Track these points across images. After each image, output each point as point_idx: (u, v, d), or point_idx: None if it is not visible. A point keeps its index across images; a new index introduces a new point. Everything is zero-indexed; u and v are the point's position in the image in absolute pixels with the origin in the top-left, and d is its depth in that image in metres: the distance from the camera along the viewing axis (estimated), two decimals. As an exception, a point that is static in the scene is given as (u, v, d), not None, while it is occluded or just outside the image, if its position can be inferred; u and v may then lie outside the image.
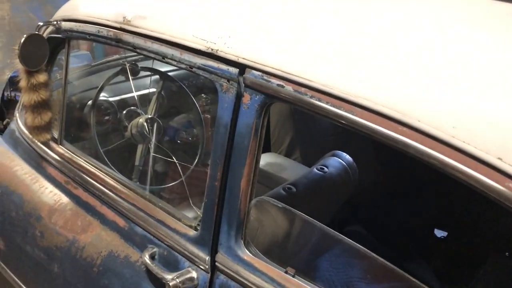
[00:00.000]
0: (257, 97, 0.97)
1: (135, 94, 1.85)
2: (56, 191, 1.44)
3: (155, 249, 1.16)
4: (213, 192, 1.06)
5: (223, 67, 1.00)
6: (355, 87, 0.85)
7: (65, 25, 1.36)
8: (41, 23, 1.42)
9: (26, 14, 2.01)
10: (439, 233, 2.14)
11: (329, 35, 0.95)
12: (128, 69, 1.68)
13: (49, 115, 1.45)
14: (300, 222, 1.11)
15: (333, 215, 1.59)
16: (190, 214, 1.27)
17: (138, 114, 1.83)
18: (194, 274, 1.09)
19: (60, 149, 1.46)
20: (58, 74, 1.71)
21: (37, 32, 1.39)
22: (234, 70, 0.99)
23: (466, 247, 1.92)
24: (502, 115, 0.74)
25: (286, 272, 0.98)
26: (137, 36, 1.16)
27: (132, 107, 1.88)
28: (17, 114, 1.65)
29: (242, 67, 0.98)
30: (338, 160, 1.52)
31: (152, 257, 1.15)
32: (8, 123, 1.81)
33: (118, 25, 1.20)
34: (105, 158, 1.63)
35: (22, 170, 1.55)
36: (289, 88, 0.92)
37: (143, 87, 1.97)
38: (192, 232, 1.11)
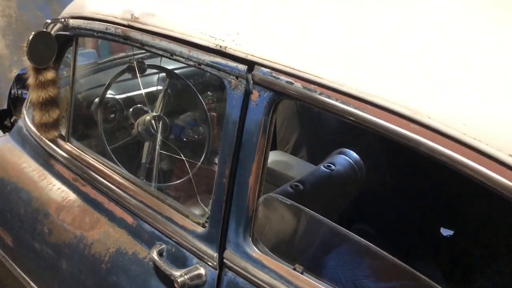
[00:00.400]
0: (266, 94, 0.97)
1: (142, 91, 1.86)
2: (64, 188, 1.44)
3: (163, 246, 1.16)
4: (221, 189, 1.06)
5: (232, 64, 1.00)
6: (361, 86, 0.85)
7: (73, 22, 1.37)
8: (49, 21, 1.42)
9: (33, 12, 2.01)
10: (445, 231, 2.13)
11: (331, 37, 0.94)
12: (135, 67, 1.69)
13: (57, 112, 1.45)
14: (308, 219, 1.11)
15: (340, 213, 1.59)
16: (196, 211, 1.27)
17: (145, 112, 1.83)
18: (202, 271, 1.09)
19: (68, 146, 1.46)
20: (65, 71, 1.72)
21: (45, 30, 1.39)
22: (242, 67, 0.99)
23: (472, 246, 1.92)
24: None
25: (294, 269, 0.98)
26: (145, 33, 1.16)
27: (138, 105, 1.89)
28: (24, 112, 1.65)
29: (251, 64, 0.98)
30: (346, 158, 1.52)
31: (160, 253, 1.15)
32: (15, 121, 1.82)
33: (126, 22, 1.20)
34: (112, 156, 1.63)
35: (30, 167, 1.55)
36: (298, 85, 0.91)
37: (149, 85, 1.97)
38: (200, 229, 1.12)
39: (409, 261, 1.06)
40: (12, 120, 1.89)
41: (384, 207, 1.91)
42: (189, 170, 1.66)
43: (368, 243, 0.98)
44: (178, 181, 1.82)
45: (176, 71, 1.93)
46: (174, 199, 1.28)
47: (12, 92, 1.97)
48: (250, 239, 1.04)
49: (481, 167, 0.74)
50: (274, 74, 0.94)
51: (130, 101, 1.91)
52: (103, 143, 1.67)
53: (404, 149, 1.52)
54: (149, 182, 1.62)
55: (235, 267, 1.05)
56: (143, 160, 1.73)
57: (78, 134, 1.61)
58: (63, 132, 1.49)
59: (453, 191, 1.90)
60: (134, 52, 1.91)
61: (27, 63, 1.40)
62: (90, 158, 1.40)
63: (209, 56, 1.04)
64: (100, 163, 1.38)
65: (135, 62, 1.72)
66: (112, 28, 1.24)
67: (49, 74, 1.41)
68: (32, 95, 1.43)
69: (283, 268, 0.99)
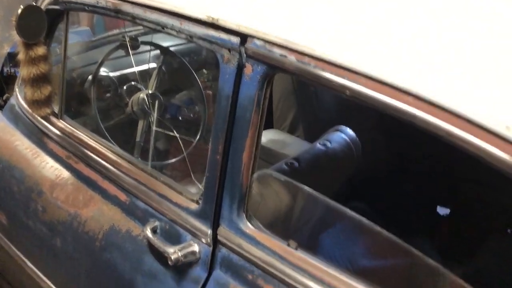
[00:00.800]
0: (259, 67, 0.94)
1: (135, 69, 1.83)
2: (57, 166, 1.43)
3: (157, 223, 1.16)
4: (214, 166, 1.04)
5: (224, 36, 0.98)
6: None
7: (63, -4, 1.33)
8: (38, -5, 1.39)
9: (24, -13, 1.96)
10: (442, 210, 2.13)
11: (323, 23, 0.92)
12: (128, 43, 1.66)
13: (49, 89, 1.43)
14: (303, 196, 1.10)
15: (336, 191, 1.58)
16: (191, 190, 1.26)
17: (139, 90, 1.81)
18: (196, 248, 1.08)
19: (61, 123, 1.45)
20: (58, 49, 1.68)
21: (34, 4, 1.36)
22: (235, 39, 0.96)
23: (468, 224, 1.92)
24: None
25: (288, 246, 0.98)
26: (136, 6, 1.13)
27: (132, 83, 1.86)
28: (17, 89, 1.63)
29: (244, 37, 0.96)
30: (341, 136, 1.51)
31: (153, 231, 1.14)
32: (8, 99, 1.79)
33: (116, -5, 1.17)
34: (106, 134, 1.62)
35: (23, 145, 1.54)
36: (292, 58, 0.89)
37: (143, 62, 1.94)
38: (194, 206, 1.11)
39: (405, 239, 1.06)
40: (4, 98, 1.86)
41: (380, 185, 1.91)
42: (184, 149, 1.64)
43: (364, 219, 0.97)
44: (173, 160, 1.80)
45: (171, 49, 1.90)
46: (168, 177, 1.27)
47: (5, 70, 1.94)
48: (244, 216, 1.03)
49: (477, 140, 0.72)
50: (267, 47, 0.92)
51: (124, 79, 1.88)
52: (97, 121, 1.65)
53: (400, 127, 1.51)
54: (143, 160, 1.61)
55: (229, 243, 1.04)
56: (137, 139, 1.71)
57: (71, 111, 1.59)
58: (56, 110, 1.47)
59: (450, 170, 1.90)
60: (128, 29, 1.88)
61: (16, 38, 1.37)
62: (84, 136, 1.38)
63: (201, 29, 1.01)
64: (94, 140, 1.36)
65: (127, 39, 1.68)
66: (102, 2, 1.21)
67: (40, 50, 1.38)
68: (23, 71, 1.41)
69: (277, 244, 0.99)
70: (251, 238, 1.02)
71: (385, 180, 1.93)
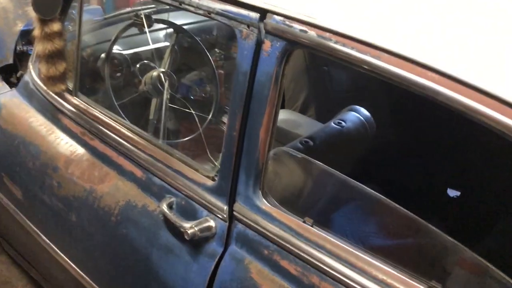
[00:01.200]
0: (278, 43, 0.94)
1: (149, 47, 1.82)
2: (72, 142, 1.44)
3: (173, 199, 1.17)
4: (231, 142, 1.05)
5: (243, 12, 0.97)
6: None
7: (78, -29, 1.33)
8: (53, -30, 1.38)
9: (37, -36, 1.95)
10: (452, 192, 2.13)
11: (327, 19, 0.91)
12: (143, 20, 1.65)
13: (64, 66, 1.43)
14: (319, 173, 1.11)
15: (347, 171, 1.58)
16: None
17: (152, 68, 1.81)
18: (212, 223, 1.09)
19: (75, 100, 1.45)
20: (70, 26, 1.68)
21: (50, -21, 1.35)
22: (254, 15, 0.96)
23: (479, 207, 1.92)
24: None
25: (304, 222, 0.99)
26: (153, -19, 1.12)
27: (145, 61, 1.86)
28: (31, 66, 1.63)
29: (263, 12, 0.95)
30: (356, 115, 1.50)
31: (170, 206, 1.15)
32: (21, 76, 1.80)
33: (133, -29, 1.16)
34: (120, 111, 1.62)
35: (37, 121, 1.55)
36: (312, 33, 0.89)
37: (156, 41, 1.93)
38: (210, 182, 1.11)
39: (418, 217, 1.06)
40: (18, 76, 1.87)
41: (391, 167, 1.91)
42: (199, 126, 1.64)
43: (380, 195, 0.97)
44: (186, 139, 1.81)
45: (184, 27, 1.89)
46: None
47: (18, 47, 1.94)
48: (260, 192, 1.04)
49: (498, 114, 0.72)
50: (287, 22, 0.92)
51: (136, 57, 1.88)
52: (110, 99, 1.65)
53: (412, 109, 1.50)
54: (157, 138, 1.61)
55: (244, 219, 1.05)
56: (151, 117, 1.72)
57: (85, 88, 1.59)
58: (70, 86, 1.47)
59: (461, 152, 1.89)
60: (141, 7, 1.86)
61: (32, 14, 1.37)
62: (99, 113, 1.39)
63: (220, 4, 1.01)
64: (109, 117, 1.37)
65: (142, 17, 1.67)
66: (119, -23, 1.20)
67: (55, 26, 1.38)
68: (38, 47, 1.41)
69: (293, 220, 1.00)
70: (267, 214, 1.02)
71: (396, 161, 1.93)
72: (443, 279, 0.92)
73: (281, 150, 1.13)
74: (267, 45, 0.95)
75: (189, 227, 1.08)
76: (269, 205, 1.03)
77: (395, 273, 0.88)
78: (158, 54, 1.86)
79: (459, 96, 0.75)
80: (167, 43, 1.89)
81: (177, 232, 1.13)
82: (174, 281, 1.13)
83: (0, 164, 1.64)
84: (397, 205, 0.96)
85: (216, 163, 1.15)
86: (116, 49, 1.81)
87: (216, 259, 1.08)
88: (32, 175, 1.51)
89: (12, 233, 1.80)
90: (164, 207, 1.15)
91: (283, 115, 1.94)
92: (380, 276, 0.89)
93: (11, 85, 1.81)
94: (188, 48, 1.96)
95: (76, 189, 1.37)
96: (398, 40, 0.82)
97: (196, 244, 1.11)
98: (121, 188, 1.28)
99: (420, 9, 0.90)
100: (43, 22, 1.36)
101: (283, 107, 2.09)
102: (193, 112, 1.65)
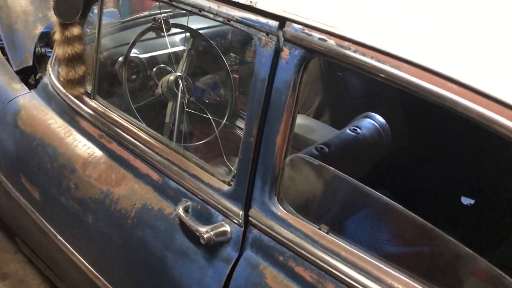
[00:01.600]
0: (297, 51, 0.95)
1: (166, 51, 1.84)
2: (90, 144, 1.46)
3: (189, 203, 1.18)
4: (248, 148, 1.06)
5: (262, 20, 0.98)
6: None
7: (99, -24, 1.35)
8: (74, -25, 1.40)
9: (57, -32, 1.98)
10: (466, 200, 2.12)
11: (328, 19, 0.92)
12: (161, 24, 1.67)
13: (83, 69, 1.46)
14: (335, 180, 1.11)
15: (362, 178, 1.58)
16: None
17: (168, 72, 1.83)
18: (227, 228, 1.10)
19: (93, 103, 1.47)
20: (88, 29, 1.71)
21: (71, -16, 1.37)
22: (273, 23, 0.97)
23: (493, 215, 1.90)
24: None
25: (319, 229, 0.99)
26: (174, -12, 1.14)
27: (162, 65, 1.88)
28: (50, 69, 1.66)
29: (282, 20, 0.96)
30: (371, 122, 1.50)
31: (185, 210, 1.17)
32: (40, 78, 1.83)
33: (154, -23, 1.18)
34: (137, 114, 1.64)
35: (56, 123, 1.57)
36: (331, 42, 0.89)
37: (172, 44, 1.95)
38: (225, 187, 1.12)
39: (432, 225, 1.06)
40: (37, 77, 1.90)
41: (405, 174, 1.90)
42: (215, 129, 1.65)
43: (396, 203, 0.98)
44: (201, 142, 1.82)
45: (200, 32, 1.91)
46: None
47: (36, 49, 1.97)
48: (276, 198, 1.05)
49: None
50: (306, 31, 0.92)
51: (153, 61, 1.90)
52: (127, 102, 1.67)
53: (427, 116, 1.50)
54: (172, 141, 1.63)
55: (260, 225, 1.06)
56: (167, 120, 1.73)
57: (103, 91, 1.61)
58: (89, 89, 1.50)
59: (475, 160, 1.88)
60: (159, 11, 1.89)
61: (53, 18, 1.40)
62: (116, 116, 1.41)
63: (239, 12, 1.02)
64: (126, 120, 1.38)
65: (161, 20, 1.69)
66: (139, -17, 1.22)
67: (75, 30, 1.41)
68: (58, 51, 1.43)
69: (308, 227, 1.00)
70: (283, 221, 1.03)
71: (411, 168, 1.93)
72: (457, 288, 0.92)
73: (298, 156, 1.14)
74: (285, 53, 0.96)
75: (205, 231, 1.09)
76: (285, 211, 1.04)
77: (410, 281, 0.88)
78: (174, 58, 1.88)
79: (477, 106, 0.75)
80: (183, 47, 1.91)
81: (192, 236, 1.14)
82: (189, 285, 1.14)
83: (19, 165, 1.67)
84: (411, 213, 0.96)
85: (232, 168, 1.15)
86: (133, 52, 1.83)
87: (231, 264, 1.09)
88: (50, 176, 1.53)
89: (28, 233, 1.83)
90: (180, 210, 1.16)
91: (297, 120, 1.94)
92: (396, 285, 0.89)
93: (29, 86, 1.84)
94: (203, 52, 1.98)
95: (93, 191, 1.39)
96: (402, 41, 0.83)
97: (212, 248, 1.12)
98: (138, 191, 1.29)
99: (422, 10, 0.90)
100: (64, 26, 1.39)
101: (297, 112, 2.10)
102: (209, 116, 1.66)
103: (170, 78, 1.72)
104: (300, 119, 1.95)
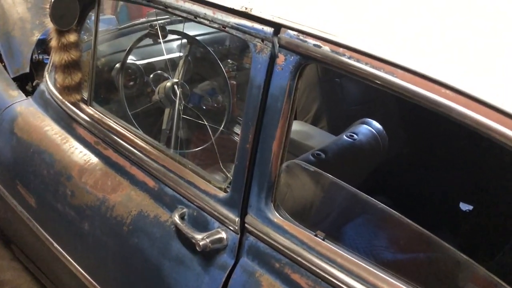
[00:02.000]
0: (292, 58, 0.95)
1: (162, 58, 1.85)
2: (86, 151, 1.45)
3: (185, 210, 1.17)
4: (244, 155, 1.05)
5: (258, 26, 0.98)
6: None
7: (95, -16, 1.35)
8: (71, -18, 1.40)
9: (54, -25, 1.99)
10: (465, 206, 2.11)
11: (326, 22, 0.92)
12: (158, 31, 1.67)
13: (79, 76, 1.46)
14: (331, 186, 1.11)
15: (360, 184, 1.58)
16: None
17: (165, 78, 1.83)
18: (223, 235, 1.09)
19: (90, 110, 1.47)
20: (85, 36, 1.71)
21: (67, -9, 1.37)
22: (268, 30, 0.97)
23: (491, 221, 1.90)
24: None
25: (316, 236, 0.98)
26: (169, -6, 1.14)
27: (159, 71, 1.88)
28: (47, 75, 1.66)
29: (277, 27, 0.96)
30: (368, 128, 1.50)
31: (182, 217, 1.16)
32: (37, 85, 1.83)
33: (149, -16, 1.18)
34: (133, 121, 1.64)
35: (52, 130, 1.57)
36: (326, 48, 0.89)
37: (169, 51, 1.96)
38: (222, 194, 1.12)
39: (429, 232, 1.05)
40: (34, 84, 1.90)
41: (403, 180, 1.90)
42: (212, 136, 1.65)
43: (392, 210, 0.97)
44: (198, 149, 1.82)
45: (197, 38, 1.91)
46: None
47: (33, 56, 1.98)
48: (272, 205, 1.04)
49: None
50: (301, 37, 0.92)
51: (150, 67, 1.90)
52: (124, 108, 1.67)
53: (424, 121, 1.50)
54: (169, 148, 1.63)
55: (256, 231, 1.06)
56: (163, 127, 1.73)
57: (99, 98, 1.61)
58: (85, 96, 1.49)
59: (474, 166, 1.88)
60: (155, 18, 1.89)
61: (49, 25, 1.40)
62: (112, 122, 1.40)
63: (234, 18, 1.02)
64: (122, 127, 1.38)
65: (157, 27, 1.70)
66: (135, -10, 1.22)
67: (72, 37, 1.41)
68: (55, 58, 1.43)
69: (304, 234, 1.00)
70: (279, 227, 1.02)
71: (408, 175, 1.92)
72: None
73: (294, 163, 1.14)
74: (281, 59, 0.96)
75: (201, 238, 1.08)
76: (281, 218, 1.03)
77: (407, 289, 0.87)
78: (171, 64, 1.88)
79: (472, 112, 0.74)
80: (180, 54, 1.91)
81: (188, 243, 1.13)
82: (185, 292, 1.14)
83: (15, 172, 1.66)
84: (408, 220, 0.95)
85: (228, 174, 1.15)
86: (130, 59, 1.83)
87: (228, 271, 1.08)
88: (46, 183, 1.53)
89: (24, 240, 1.82)
90: (176, 217, 1.15)
91: (295, 126, 1.94)
92: (392, 292, 0.88)
93: (27, 93, 1.84)
94: (201, 59, 1.98)
95: (89, 198, 1.39)
96: (400, 43, 0.83)
97: (208, 255, 1.11)
98: (134, 198, 1.29)
99: (420, 12, 0.90)
100: (60, 33, 1.39)
101: (295, 118, 2.09)
102: (206, 123, 1.66)
103: (167, 85, 1.72)
104: (298, 125, 1.95)
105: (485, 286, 0.94)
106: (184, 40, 1.89)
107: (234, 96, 1.99)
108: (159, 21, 1.87)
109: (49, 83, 1.62)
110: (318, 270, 0.95)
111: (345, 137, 1.46)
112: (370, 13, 0.93)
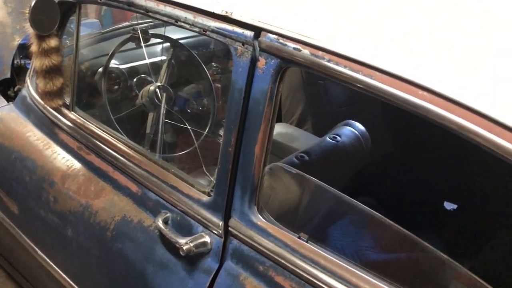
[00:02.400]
0: (273, 61, 0.95)
1: (146, 61, 1.84)
2: (69, 157, 1.44)
3: (168, 214, 1.17)
4: (226, 158, 1.05)
5: (238, 30, 0.99)
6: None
7: (76, -12, 1.34)
8: (51, -13, 1.39)
9: (35, -21, 1.97)
10: (449, 205, 2.14)
11: (314, 20, 0.92)
12: (139, 35, 1.66)
13: (61, 81, 1.44)
14: (314, 189, 1.11)
15: (344, 185, 1.59)
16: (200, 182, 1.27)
17: (149, 82, 1.82)
18: (207, 239, 1.09)
19: (72, 115, 1.46)
20: (68, 41, 1.69)
21: (47, -4, 1.36)
22: (249, 33, 0.97)
23: (475, 220, 1.92)
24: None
25: (299, 238, 0.99)
26: (149, -1, 1.14)
27: (142, 75, 1.87)
28: (28, 80, 1.64)
29: (258, 30, 0.96)
30: (351, 130, 1.51)
31: (165, 222, 1.16)
32: (19, 90, 1.81)
33: (130, -12, 1.18)
34: (117, 126, 1.63)
35: (35, 136, 1.55)
36: (305, 51, 0.90)
37: (153, 54, 1.95)
38: (205, 198, 1.12)
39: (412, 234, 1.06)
40: (15, 90, 1.88)
41: (388, 180, 1.91)
42: (195, 141, 1.65)
43: (374, 212, 0.98)
44: (182, 153, 1.81)
45: (181, 41, 1.91)
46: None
47: (15, 61, 1.95)
48: (256, 208, 1.05)
49: (490, 134, 0.73)
50: (281, 41, 0.93)
51: (134, 71, 1.89)
52: (107, 113, 1.66)
53: (408, 122, 1.51)
54: (153, 152, 1.62)
55: (240, 235, 1.06)
56: (148, 131, 1.72)
57: (82, 103, 1.60)
58: (67, 101, 1.48)
59: (457, 165, 1.90)
60: (138, 22, 1.88)
61: (30, 30, 1.38)
62: (95, 127, 1.39)
63: (215, 22, 1.02)
64: (105, 132, 1.37)
65: (138, 31, 1.69)
66: (115, -6, 1.22)
67: (53, 42, 1.39)
68: (35, 63, 1.42)
69: (288, 236, 1.00)
70: (263, 230, 1.03)
71: (392, 175, 1.94)
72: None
73: (277, 165, 1.14)
74: (261, 62, 0.97)
75: (184, 243, 1.08)
76: (265, 220, 1.04)
77: (390, 289, 0.88)
78: (155, 68, 1.87)
79: (449, 114, 0.75)
80: (164, 57, 1.91)
81: (172, 248, 1.13)
82: (169, 297, 1.13)
83: (-3, 179, 1.64)
84: (390, 222, 0.96)
85: (212, 178, 1.15)
86: (113, 63, 1.82)
87: (212, 275, 1.08)
88: (29, 189, 1.51)
89: (7, 248, 1.80)
90: (160, 222, 1.15)
91: (280, 128, 1.95)
92: (375, 292, 0.89)
93: (9, 99, 1.82)
94: (185, 62, 1.97)
95: (72, 204, 1.38)
96: (390, 58, 0.83)
97: (192, 260, 1.11)
98: (117, 203, 1.28)
99: (408, 11, 0.91)
100: (41, 38, 1.38)
101: (280, 120, 2.10)
102: (189, 127, 1.65)
103: (151, 89, 1.70)
104: (283, 128, 1.96)
105: (467, 284, 0.96)
106: (167, 44, 1.88)
107: (219, 99, 1.98)
108: (143, 25, 1.86)
109: (30, 89, 1.61)
110: (301, 272, 0.96)
111: (328, 139, 1.47)
112: (353, 15, 0.94)
